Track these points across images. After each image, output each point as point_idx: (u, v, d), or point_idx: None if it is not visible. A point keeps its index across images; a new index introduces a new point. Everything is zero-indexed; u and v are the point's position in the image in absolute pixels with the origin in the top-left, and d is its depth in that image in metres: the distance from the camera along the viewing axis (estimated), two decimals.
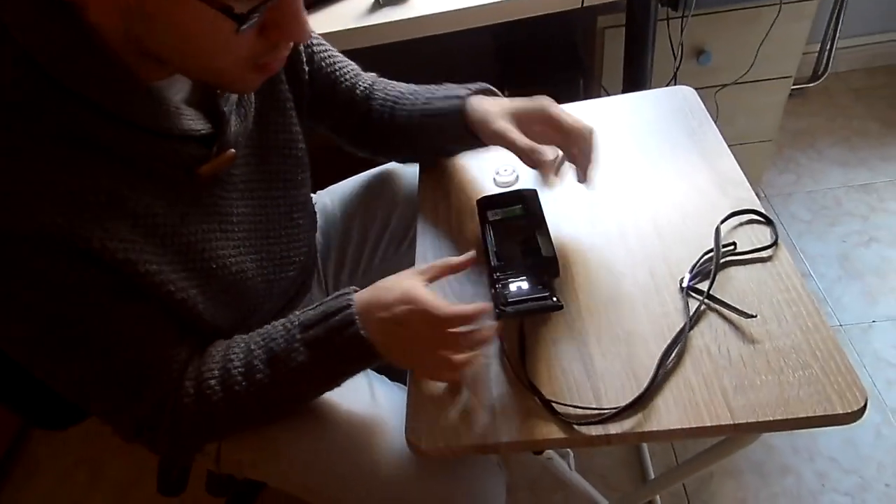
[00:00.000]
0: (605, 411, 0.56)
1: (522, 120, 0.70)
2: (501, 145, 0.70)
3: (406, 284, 0.59)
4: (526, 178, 0.77)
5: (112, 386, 0.58)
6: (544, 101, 0.70)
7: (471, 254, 0.63)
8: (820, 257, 1.56)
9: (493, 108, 0.72)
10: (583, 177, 0.70)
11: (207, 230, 0.61)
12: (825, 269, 1.53)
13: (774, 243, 0.67)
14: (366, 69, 0.86)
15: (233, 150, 0.61)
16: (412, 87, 0.84)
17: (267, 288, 0.71)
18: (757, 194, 0.73)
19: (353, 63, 0.84)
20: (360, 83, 0.84)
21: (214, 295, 0.63)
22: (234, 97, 0.62)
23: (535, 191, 0.75)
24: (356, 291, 0.61)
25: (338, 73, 0.81)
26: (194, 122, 0.56)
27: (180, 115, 0.55)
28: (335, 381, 0.63)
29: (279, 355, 0.60)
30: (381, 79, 0.87)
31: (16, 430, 1.53)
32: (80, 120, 0.49)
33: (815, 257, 1.57)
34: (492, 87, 0.79)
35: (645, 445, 1.24)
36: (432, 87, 0.82)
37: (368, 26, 1.05)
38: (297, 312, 0.62)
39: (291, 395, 0.64)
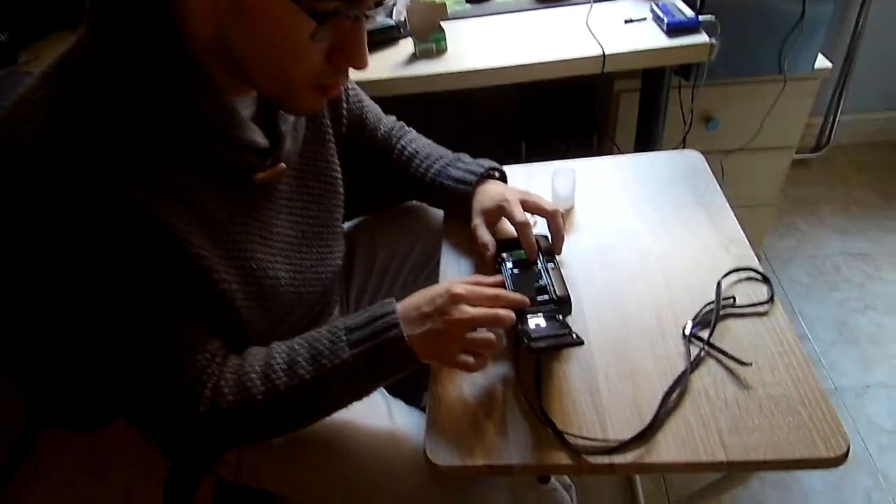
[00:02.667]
0: (611, 443, 0.61)
1: (488, 215, 0.83)
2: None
3: (448, 282, 0.67)
4: (542, 224, 0.84)
5: (142, 369, 0.61)
6: (507, 198, 0.81)
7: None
8: (817, 321, 1.62)
9: (476, 204, 0.85)
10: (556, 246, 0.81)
11: (249, 232, 0.68)
12: (822, 333, 1.58)
13: (770, 300, 0.74)
14: (399, 107, 0.95)
15: (283, 165, 0.69)
16: (429, 148, 0.94)
17: (296, 299, 0.77)
18: (758, 256, 0.80)
19: (376, 105, 0.95)
20: (382, 126, 0.95)
21: (251, 295, 0.69)
22: (291, 120, 0.71)
23: (547, 237, 0.81)
24: (395, 302, 0.67)
25: (364, 114, 0.92)
26: (257, 135, 0.64)
27: (247, 128, 0.63)
28: (373, 383, 0.67)
29: (323, 353, 0.64)
30: (404, 127, 0.98)
31: (22, 432, 1.57)
32: (166, 115, 0.57)
33: (813, 320, 1.62)
34: (498, 167, 0.91)
35: (640, 489, 1.27)
36: (448, 156, 0.92)
37: (406, 77, 1.14)
38: (341, 319, 0.67)
39: (330, 396, 0.66)
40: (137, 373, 0.61)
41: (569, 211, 0.90)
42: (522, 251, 0.78)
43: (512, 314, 0.65)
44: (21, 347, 0.79)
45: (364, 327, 0.65)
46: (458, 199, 0.87)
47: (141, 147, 0.56)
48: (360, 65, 0.59)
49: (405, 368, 0.65)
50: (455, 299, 0.64)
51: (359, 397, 0.68)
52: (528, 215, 0.80)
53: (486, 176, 0.88)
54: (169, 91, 0.56)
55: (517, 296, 0.68)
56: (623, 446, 0.61)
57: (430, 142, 0.97)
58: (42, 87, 0.55)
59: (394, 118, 0.99)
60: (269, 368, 0.65)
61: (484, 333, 0.65)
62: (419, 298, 0.67)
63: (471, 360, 0.65)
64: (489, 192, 0.85)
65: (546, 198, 0.89)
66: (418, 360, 0.64)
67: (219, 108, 0.59)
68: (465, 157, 0.92)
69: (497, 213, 0.82)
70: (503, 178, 0.91)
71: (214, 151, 0.61)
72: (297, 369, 0.64)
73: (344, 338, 0.65)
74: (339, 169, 0.83)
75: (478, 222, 0.83)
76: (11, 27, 1.47)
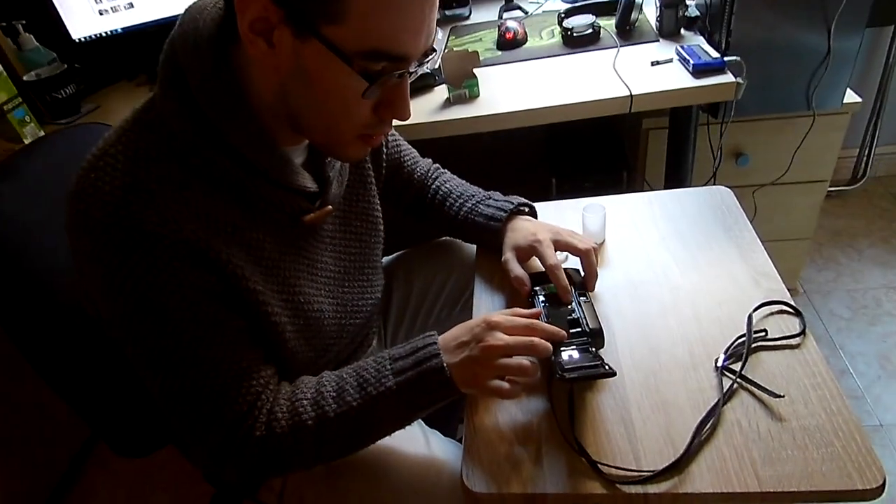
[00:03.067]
0: (645, 473, 0.63)
1: (519, 252, 0.86)
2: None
3: (487, 314, 0.71)
4: (575, 259, 0.87)
5: (201, 394, 0.65)
6: (539, 238, 0.84)
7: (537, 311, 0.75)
8: (860, 355, 1.59)
9: (507, 240, 0.88)
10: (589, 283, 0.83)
11: (298, 269, 0.74)
12: (864, 368, 1.55)
13: (802, 332, 0.75)
14: (435, 148, 1.01)
15: (330, 207, 0.75)
16: (462, 188, 1.00)
17: (338, 331, 0.82)
18: (796, 290, 0.81)
19: (413, 150, 1.02)
20: (419, 169, 1.01)
21: (298, 327, 0.74)
22: (338, 166, 0.77)
23: (578, 270, 0.84)
24: (436, 334, 0.71)
25: (402, 158, 0.99)
26: (307, 180, 0.70)
27: (299, 174, 0.69)
28: (416, 410, 0.70)
29: (370, 381, 0.69)
30: (439, 169, 1.04)
31: (71, 460, 1.63)
32: (223, 163, 0.63)
33: (855, 355, 1.59)
34: (528, 203, 0.95)
35: None
36: (479, 194, 0.97)
37: (441, 121, 1.20)
38: (387, 350, 0.72)
39: (375, 422, 0.69)
40: (196, 400, 0.65)
41: (599, 246, 0.93)
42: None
43: (548, 344, 0.68)
44: (82, 372, 0.85)
45: (407, 357, 0.69)
46: (488, 236, 0.91)
47: (203, 193, 0.63)
48: (404, 116, 0.65)
49: (446, 396, 0.68)
50: (491, 326, 0.68)
51: (402, 424, 0.71)
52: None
53: (516, 213, 0.92)
54: (230, 144, 0.62)
55: (553, 328, 0.71)
56: (657, 476, 0.63)
57: (463, 182, 1.02)
58: (119, 141, 0.62)
59: (430, 161, 1.05)
60: (319, 395, 0.69)
61: (518, 360, 0.68)
62: (458, 329, 0.71)
63: (505, 385, 0.67)
64: (520, 229, 0.89)
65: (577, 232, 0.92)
66: (457, 388, 0.68)
67: (274, 157, 0.66)
68: (497, 195, 0.96)
69: (529, 252, 0.85)
70: (533, 214, 0.95)
71: (270, 196, 0.67)
72: (345, 396, 0.68)
73: (389, 366, 0.69)
74: (379, 209, 0.89)
75: (509, 256, 0.86)
76: (77, 80, 1.59)
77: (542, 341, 0.68)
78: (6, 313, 0.80)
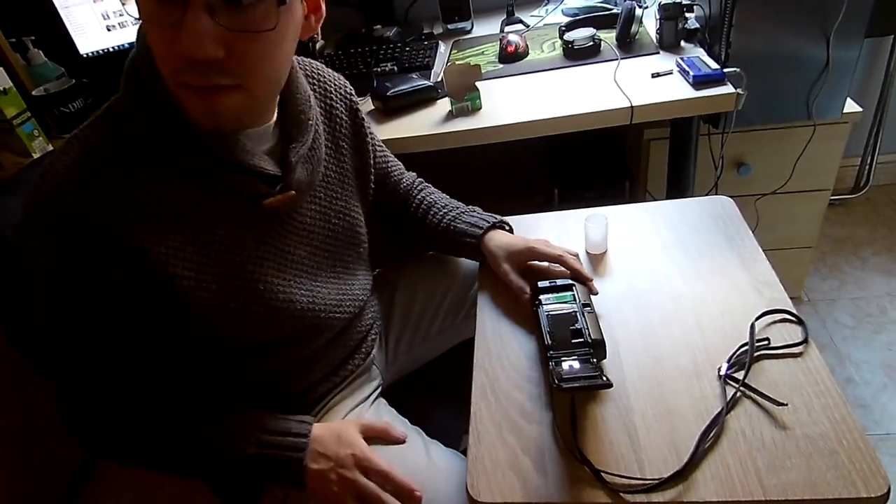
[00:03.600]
0: (649, 482, 0.63)
1: (516, 258, 0.90)
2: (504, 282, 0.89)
3: (351, 432, 0.78)
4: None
5: (85, 375, 0.70)
6: (532, 243, 0.90)
7: (403, 434, 0.83)
8: (865, 364, 1.58)
9: (499, 251, 0.91)
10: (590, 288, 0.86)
11: (261, 257, 0.75)
12: (870, 377, 1.54)
13: (805, 341, 0.75)
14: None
15: (293, 192, 0.75)
16: (445, 201, 1.02)
17: (319, 323, 0.84)
18: (800, 298, 0.82)
19: (399, 162, 1.05)
20: (404, 181, 1.04)
21: (256, 313, 0.75)
22: (303, 151, 0.77)
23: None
24: (311, 425, 0.77)
25: (389, 169, 1.01)
26: (265, 163, 0.72)
27: (255, 156, 0.71)
28: (256, 480, 0.75)
29: (230, 434, 0.75)
30: (423, 182, 1.06)
31: (76, 470, 1.64)
32: (179, 147, 0.66)
33: (861, 363, 1.58)
34: (506, 221, 0.98)
35: None
36: (461, 208, 1.00)
37: (443, 133, 1.21)
38: (265, 415, 0.77)
39: (208, 465, 0.75)
40: (70, 377, 0.71)
41: (602, 255, 0.94)
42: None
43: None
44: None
45: (277, 435, 0.75)
46: (467, 246, 0.94)
47: (151, 179, 0.66)
48: (189, 49, 0.56)
49: (286, 483, 0.75)
50: (356, 461, 0.75)
51: (237, 482, 0.82)
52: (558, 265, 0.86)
53: (496, 227, 0.95)
54: (184, 128, 0.65)
55: (405, 482, 0.76)
56: (661, 485, 0.63)
57: (446, 196, 1.04)
58: (82, 131, 0.67)
59: (414, 174, 1.07)
60: (178, 415, 0.75)
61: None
62: (333, 436, 0.77)
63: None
64: (500, 241, 0.92)
65: (579, 244, 0.93)
66: (301, 487, 0.74)
67: (225, 138, 0.68)
68: (478, 210, 0.99)
69: (526, 254, 0.88)
70: (510, 231, 0.97)
71: (225, 180, 0.69)
72: (201, 431, 0.75)
73: (255, 435, 0.74)
74: (359, 212, 0.91)
75: (506, 268, 0.89)
76: (85, 94, 1.61)
77: (392, 501, 0.74)
78: (14, 322, 0.81)
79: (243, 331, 0.76)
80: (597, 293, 0.85)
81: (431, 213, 0.99)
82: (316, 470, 0.74)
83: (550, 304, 0.81)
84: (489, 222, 0.95)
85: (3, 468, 1.41)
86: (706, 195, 1.06)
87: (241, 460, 0.73)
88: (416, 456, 0.83)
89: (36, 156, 1.47)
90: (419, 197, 1.03)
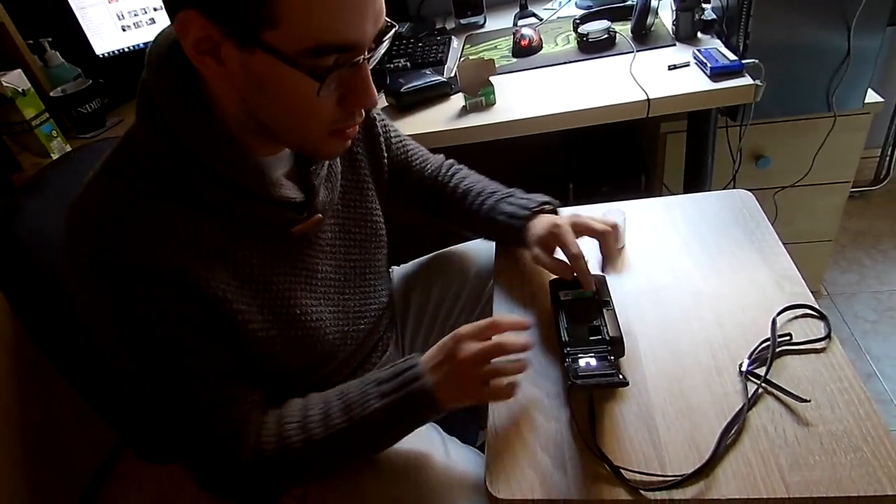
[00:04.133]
0: (670, 478, 0.63)
1: (544, 241, 0.85)
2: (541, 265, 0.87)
3: (453, 332, 0.73)
4: (595, 265, 0.87)
5: (185, 421, 0.68)
6: (558, 229, 0.84)
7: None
8: (886, 358, 1.56)
9: (532, 237, 0.87)
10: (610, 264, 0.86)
11: (294, 282, 0.74)
12: (891, 371, 1.52)
13: (828, 336, 0.74)
14: (451, 154, 1.04)
15: (320, 216, 0.75)
16: (483, 183, 0.98)
17: (341, 338, 0.83)
18: (819, 292, 0.80)
19: (422, 148, 1.02)
20: (430, 166, 1.01)
21: (294, 338, 0.75)
22: (324, 172, 0.77)
23: (603, 276, 0.84)
24: (419, 356, 0.73)
25: (410, 158, 0.99)
26: (291, 191, 0.71)
27: (280, 185, 0.70)
28: (402, 430, 0.72)
29: (355, 403, 0.70)
30: (455, 164, 1.04)
31: (95, 469, 1.66)
32: (204, 184, 0.64)
33: (881, 358, 1.56)
34: (551, 200, 0.93)
35: None
36: (501, 190, 0.96)
37: (457, 129, 1.21)
38: (372, 372, 0.74)
39: (361, 443, 0.72)
40: (182, 426, 0.68)
41: (620, 251, 0.93)
42: (579, 291, 0.81)
43: (518, 338, 0.71)
44: (108, 378, 0.86)
45: (391, 380, 0.71)
46: (511, 233, 0.91)
47: (186, 218, 0.64)
48: (369, 104, 0.63)
49: (430, 417, 0.71)
50: (458, 339, 0.70)
51: (388, 444, 0.74)
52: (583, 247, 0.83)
53: (539, 210, 0.91)
54: (206, 165, 0.64)
55: (513, 319, 0.74)
56: (683, 482, 0.62)
57: (482, 177, 1.01)
58: (104, 173, 0.65)
59: (442, 157, 1.05)
60: (305, 419, 0.71)
61: (499, 362, 0.70)
62: (433, 349, 0.73)
63: (497, 386, 0.70)
64: (541, 222, 0.88)
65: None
66: (442, 408, 0.70)
67: (251, 171, 0.67)
68: (519, 192, 0.95)
69: (550, 239, 0.84)
70: (555, 212, 0.94)
71: (254, 211, 0.68)
72: (331, 420, 0.70)
73: (373, 389, 0.71)
74: (380, 214, 0.89)
75: (537, 252, 0.85)
76: (101, 95, 1.63)
77: (510, 338, 0.70)
78: (35, 323, 0.82)
79: (287, 357, 0.76)
80: (593, 290, 0.81)
81: (469, 198, 0.96)
82: (440, 381, 0.69)
83: (568, 300, 0.80)
84: (530, 208, 0.90)
85: (24, 465, 1.43)
86: (724, 188, 1.05)
87: (373, 419, 0.69)
88: (434, 453, 0.83)
89: (55, 156, 1.49)
90: (454, 180, 1.00)
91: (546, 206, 0.92)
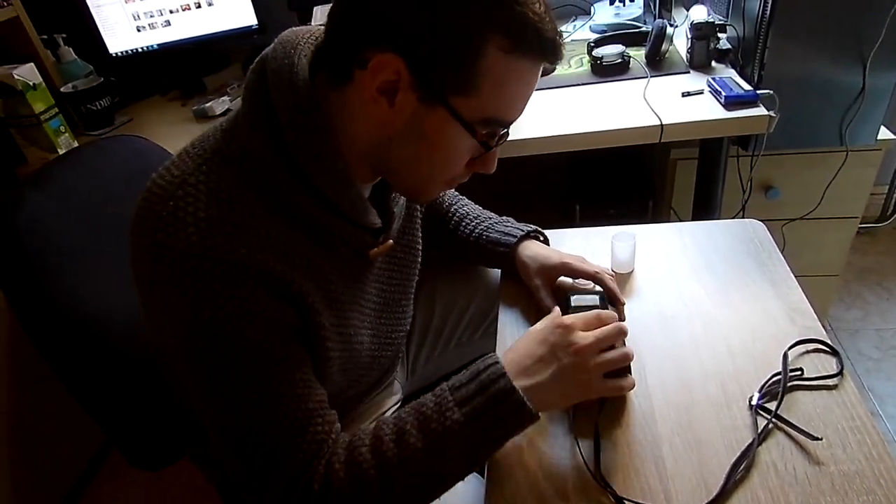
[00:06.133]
0: None
1: (549, 274, 0.87)
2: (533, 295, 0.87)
3: (547, 320, 0.70)
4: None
5: (265, 438, 0.61)
6: (567, 258, 0.87)
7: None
8: (889, 397, 1.54)
9: (532, 262, 0.88)
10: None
11: (352, 303, 0.73)
12: (894, 411, 1.50)
13: (840, 373, 0.72)
14: None
15: (391, 241, 0.74)
16: (477, 211, 1.00)
17: (371, 363, 0.80)
18: (823, 327, 0.79)
19: None
20: (446, 196, 1.01)
21: (343, 360, 0.72)
22: (402, 202, 0.77)
23: (602, 293, 0.83)
24: (496, 354, 0.68)
25: None
26: (375, 217, 0.70)
27: (369, 212, 0.69)
28: (490, 443, 0.64)
29: (431, 417, 0.63)
30: (457, 195, 1.04)
31: (81, 472, 1.63)
32: (307, 202, 0.62)
33: (884, 397, 1.54)
34: (541, 231, 0.95)
35: None
36: (493, 218, 0.98)
37: None
38: (444, 382, 0.66)
39: (445, 462, 0.63)
40: (259, 445, 0.62)
41: (628, 275, 0.92)
42: (590, 297, 0.80)
43: (626, 325, 0.69)
44: (104, 381, 0.84)
45: (468, 384, 0.64)
46: (499, 257, 0.92)
47: (283, 227, 0.62)
48: (491, 171, 0.68)
49: (520, 422, 0.64)
50: (567, 328, 0.67)
51: (476, 462, 0.65)
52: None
53: (529, 237, 0.92)
54: (310, 182, 0.62)
55: (612, 311, 0.72)
56: None
57: (479, 207, 1.02)
58: (199, 170, 0.61)
59: (451, 190, 1.04)
60: (377, 440, 0.64)
61: (618, 350, 0.68)
62: (525, 345, 0.68)
63: (622, 380, 0.68)
64: (534, 253, 0.89)
65: (604, 262, 0.91)
66: (533, 412, 0.63)
67: (353, 198, 0.65)
68: (511, 220, 0.97)
69: (559, 269, 0.86)
70: (546, 242, 0.95)
71: (341, 233, 0.67)
72: (406, 438, 0.63)
73: (450, 397, 0.64)
74: (421, 241, 0.88)
75: (537, 283, 0.86)
76: (112, 93, 1.62)
77: (621, 324, 0.69)
78: (31, 318, 0.80)
79: (335, 378, 0.72)
80: (624, 319, 0.82)
81: (463, 223, 0.97)
82: (548, 379, 0.64)
83: (578, 306, 0.78)
84: (523, 231, 0.92)
85: (10, 467, 1.40)
86: (733, 218, 1.03)
87: (455, 431, 0.62)
88: None
89: (61, 151, 1.48)
90: (453, 209, 1.00)
91: (537, 235, 0.94)
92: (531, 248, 0.90)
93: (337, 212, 0.65)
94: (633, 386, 0.69)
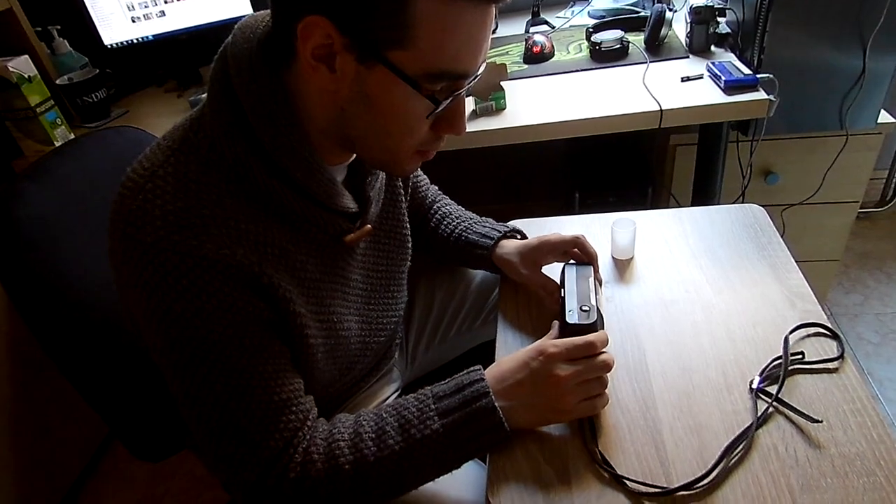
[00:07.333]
0: (673, 487, 0.61)
1: (532, 258, 0.86)
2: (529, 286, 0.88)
3: (534, 344, 0.69)
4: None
5: (238, 427, 0.62)
6: (543, 237, 0.87)
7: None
8: (889, 381, 1.54)
9: (513, 257, 0.88)
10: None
11: (333, 289, 0.73)
12: (894, 395, 1.51)
13: (841, 356, 0.72)
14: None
15: (370, 226, 0.74)
16: (458, 212, 1.00)
17: (362, 349, 0.81)
18: (823, 312, 0.79)
19: (425, 175, 1.03)
20: (429, 193, 1.02)
21: (329, 347, 0.72)
22: (377, 185, 0.76)
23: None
24: (482, 370, 0.69)
25: (419, 181, 0.99)
26: (349, 201, 0.69)
27: (343, 195, 0.68)
28: (463, 455, 0.66)
29: (412, 422, 0.65)
30: (440, 193, 1.04)
31: (82, 467, 1.64)
32: (273, 187, 0.62)
33: (884, 381, 1.55)
34: (518, 230, 0.95)
35: None
36: (473, 219, 0.98)
37: (466, 132, 1.19)
38: (427, 388, 0.69)
39: (417, 467, 0.65)
40: (233, 434, 0.63)
41: (629, 262, 0.92)
42: (583, 267, 0.80)
43: (611, 356, 0.67)
44: (105, 372, 0.85)
45: (452, 396, 0.66)
46: (477, 259, 0.91)
47: (253, 216, 0.62)
48: (460, 132, 0.65)
49: (495, 440, 0.65)
50: (551, 359, 0.66)
51: (446, 470, 0.67)
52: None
53: (506, 237, 0.92)
54: (279, 167, 0.61)
55: (605, 337, 0.68)
56: (684, 487, 0.61)
57: (461, 207, 1.02)
58: (168, 162, 0.61)
59: (435, 188, 1.05)
60: (357, 437, 0.65)
61: (597, 378, 0.67)
62: (508, 366, 0.68)
63: (595, 403, 0.67)
64: (509, 248, 0.89)
65: (604, 249, 0.91)
66: (507, 431, 0.65)
67: (323, 180, 0.65)
68: (490, 220, 0.97)
69: (541, 248, 0.85)
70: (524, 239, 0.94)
71: (315, 218, 0.66)
72: (386, 439, 0.65)
73: (433, 406, 0.66)
74: (408, 226, 0.88)
75: (526, 273, 0.86)
76: (108, 85, 1.61)
77: (606, 355, 0.67)
78: (31, 310, 0.80)
79: (320, 367, 0.72)
80: (600, 282, 0.82)
81: (444, 223, 0.97)
82: (518, 405, 0.66)
83: (575, 272, 0.79)
84: (500, 232, 0.91)
85: (11, 462, 1.40)
86: (733, 203, 1.03)
87: (433, 440, 0.64)
88: None
89: (58, 143, 1.47)
90: (434, 207, 1.00)
91: (515, 234, 0.93)
92: (508, 246, 0.90)
93: (309, 196, 0.64)
94: (607, 403, 0.68)
